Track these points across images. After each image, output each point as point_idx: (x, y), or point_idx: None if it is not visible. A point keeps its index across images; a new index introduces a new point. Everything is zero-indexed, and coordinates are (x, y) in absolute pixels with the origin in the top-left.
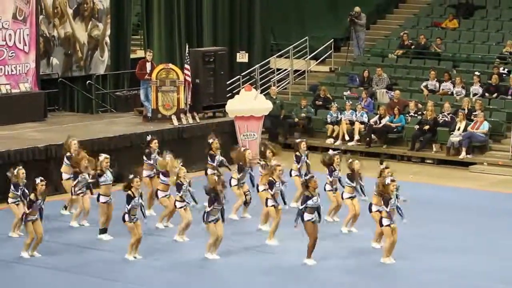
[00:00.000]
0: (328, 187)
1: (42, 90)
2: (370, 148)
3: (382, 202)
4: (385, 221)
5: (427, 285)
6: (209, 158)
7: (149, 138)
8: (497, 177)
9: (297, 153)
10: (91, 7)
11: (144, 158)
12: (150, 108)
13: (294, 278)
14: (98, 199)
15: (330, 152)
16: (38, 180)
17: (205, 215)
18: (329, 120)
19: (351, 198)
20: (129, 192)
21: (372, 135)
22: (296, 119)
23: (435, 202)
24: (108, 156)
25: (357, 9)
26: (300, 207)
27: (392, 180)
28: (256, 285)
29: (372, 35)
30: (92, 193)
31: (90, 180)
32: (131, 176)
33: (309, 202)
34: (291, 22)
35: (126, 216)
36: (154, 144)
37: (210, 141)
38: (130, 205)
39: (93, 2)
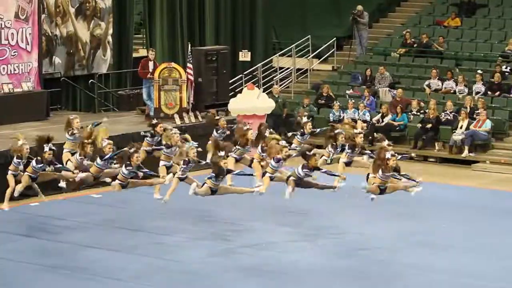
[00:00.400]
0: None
1: (45, 89)
2: (373, 146)
3: (379, 171)
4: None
5: (428, 284)
6: (214, 131)
7: (154, 121)
8: (499, 176)
9: (302, 130)
10: (93, 6)
11: (147, 137)
12: (153, 107)
13: (292, 276)
14: None
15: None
16: (47, 149)
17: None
18: (331, 118)
19: (346, 163)
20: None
21: (375, 133)
22: (298, 118)
23: (437, 201)
24: (111, 142)
25: (359, 7)
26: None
27: (392, 155)
28: (257, 283)
29: (375, 34)
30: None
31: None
32: (131, 150)
33: (302, 173)
34: (293, 20)
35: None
36: (159, 128)
37: (217, 117)
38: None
39: (95, 1)
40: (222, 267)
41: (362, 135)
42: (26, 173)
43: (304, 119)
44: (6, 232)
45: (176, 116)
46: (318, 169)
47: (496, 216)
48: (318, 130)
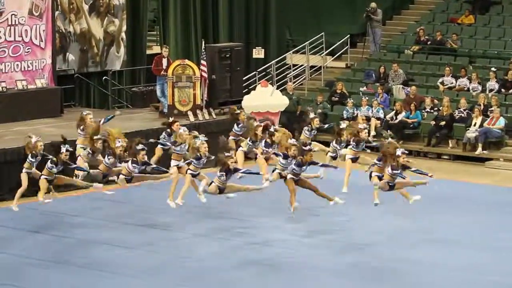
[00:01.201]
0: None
1: (58, 86)
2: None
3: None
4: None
5: (440, 280)
6: (235, 125)
7: (171, 119)
8: None
9: (310, 126)
10: (107, 3)
11: (173, 147)
12: (166, 104)
13: (301, 272)
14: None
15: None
16: (63, 149)
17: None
18: (345, 116)
19: (352, 160)
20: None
21: (388, 130)
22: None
23: (450, 198)
24: (124, 144)
25: (373, 5)
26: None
27: (403, 153)
28: (266, 279)
29: (388, 31)
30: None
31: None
32: (138, 147)
33: (296, 168)
34: (307, 17)
35: None
36: (176, 127)
37: (238, 111)
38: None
39: None
40: (231, 263)
41: (366, 130)
42: (42, 176)
43: (312, 115)
44: (19, 229)
45: (189, 113)
46: (315, 163)
47: (510, 214)
48: (325, 126)
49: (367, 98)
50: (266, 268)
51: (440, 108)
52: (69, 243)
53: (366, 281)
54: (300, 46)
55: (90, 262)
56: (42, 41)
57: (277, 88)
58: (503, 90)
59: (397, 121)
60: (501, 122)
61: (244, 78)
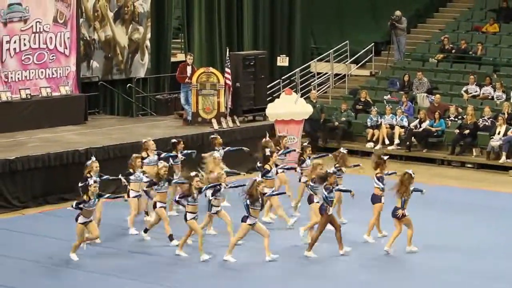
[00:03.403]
0: None
1: (83, 93)
2: (410, 152)
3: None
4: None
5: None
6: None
7: (174, 140)
8: None
9: (302, 157)
10: (132, 11)
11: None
12: (191, 111)
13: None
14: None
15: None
16: (91, 181)
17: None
18: (369, 124)
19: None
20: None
21: (412, 139)
22: (336, 123)
23: (474, 207)
24: (166, 165)
25: (397, 13)
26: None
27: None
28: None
29: (413, 39)
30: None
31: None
32: None
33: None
34: (331, 26)
35: None
36: (180, 146)
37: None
38: None
39: (134, 6)
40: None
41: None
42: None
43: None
44: (52, 235)
45: (213, 120)
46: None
47: None
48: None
49: (391, 106)
50: (288, 274)
51: (464, 116)
52: (101, 251)
53: (388, 284)
54: (325, 54)
55: (125, 270)
56: (66, 48)
57: (301, 96)
58: None
59: (421, 129)
60: None
61: (268, 86)
